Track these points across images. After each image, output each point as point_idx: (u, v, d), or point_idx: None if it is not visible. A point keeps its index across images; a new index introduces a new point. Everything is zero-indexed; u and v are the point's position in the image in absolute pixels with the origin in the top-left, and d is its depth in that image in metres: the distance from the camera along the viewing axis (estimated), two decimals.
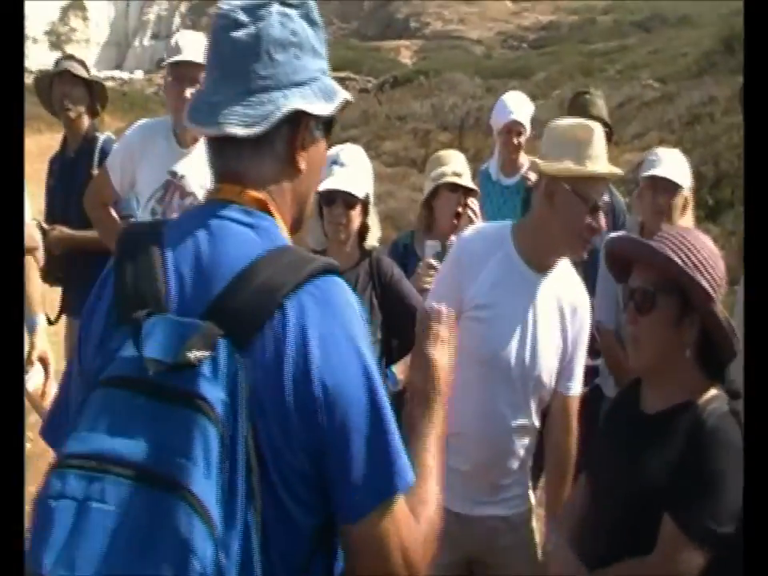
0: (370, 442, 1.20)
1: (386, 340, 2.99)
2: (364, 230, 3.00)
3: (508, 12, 59.41)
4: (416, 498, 1.28)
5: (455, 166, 3.52)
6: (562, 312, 2.42)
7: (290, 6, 1.28)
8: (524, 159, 4.56)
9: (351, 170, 2.92)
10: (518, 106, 4.50)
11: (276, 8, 1.26)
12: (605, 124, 3.35)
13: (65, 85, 3.93)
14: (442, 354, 1.50)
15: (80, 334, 1.32)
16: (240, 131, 1.23)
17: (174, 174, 3.22)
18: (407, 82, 24.98)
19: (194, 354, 1.10)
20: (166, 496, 1.05)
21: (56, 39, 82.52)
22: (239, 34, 1.25)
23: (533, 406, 2.43)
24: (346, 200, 2.89)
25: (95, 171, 3.68)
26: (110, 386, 1.12)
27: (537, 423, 2.47)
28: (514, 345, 2.36)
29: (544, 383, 2.41)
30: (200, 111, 1.28)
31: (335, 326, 1.20)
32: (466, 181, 3.51)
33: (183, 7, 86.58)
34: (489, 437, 2.40)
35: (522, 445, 2.47)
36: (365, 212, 2.97)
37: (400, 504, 1.22)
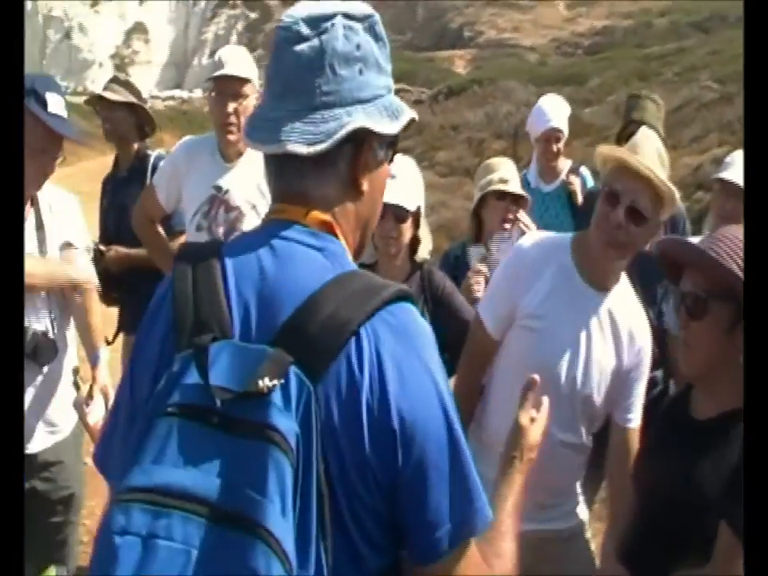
0: (449, 480, 1.13)
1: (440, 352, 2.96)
2: (415, 242, 2.98)
3: (562, 18, 58.99)
4: (492, 552, 1.28)
5: (502, 172, 3.43)
6: (618, 336, 2.34)
7: (354, 19, 1.21)
8: (563, 164, 4.49)
9: (402, 182, 2.90)
10: (555, 111, 4.41)
11: (340, 20, 1.19)
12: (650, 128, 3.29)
13: (104, 109, 4.06)
14: (534, 427, 1.57)
15: (133, 355, 1.25)
16: (302, 149, 1.16)
17: (218, 188, 3.25)
18: (461, 91, 24.90)
19: (264, 383, 1.03)
20: (241, 535, 0.99)
21: (120, 62, 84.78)
22: (302, 47, 1.18)
23: (582, 426, 2.36)
24: (396, 213, 2.87)
25: None
26: (174, 415, 1.05)
27: (587, 442, 2.40)
28: (564, 360, 2.30)
29: (594, 404, 2.33)
30: (259, 128, 1.21)
31: (412, 356, 1.13)
32: (513, 187, 3.42)
33: (240, 26, 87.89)
34: None
35: (570, 464, 2.39)
36: (416, 225, 2.95)
37: (474, 548, 1.18)
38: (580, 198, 4.32)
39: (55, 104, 2.63)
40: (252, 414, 1.03)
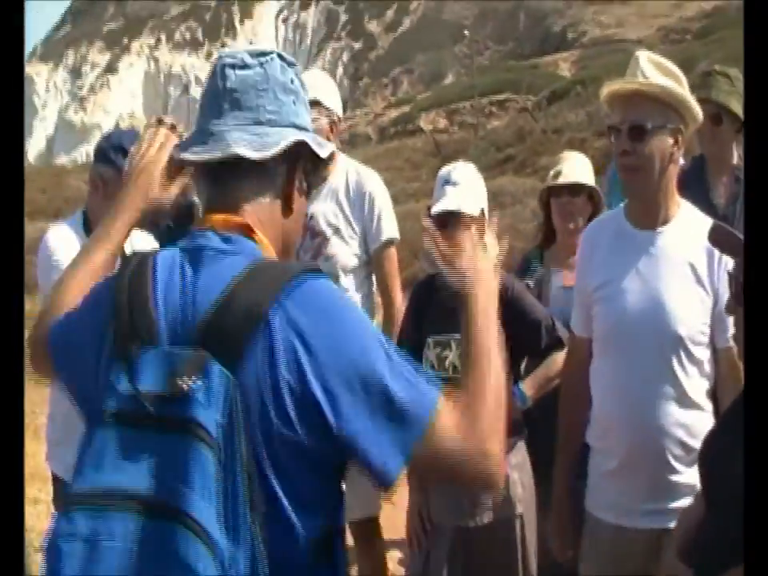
0: (382, 416, 1.20)
1: (513, 357, 2.92)
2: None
3: (669, 5, 57.00)
4: (467, 393, 1.29)
5: (560, 166, 3.28)
6: (691, 261, 2.23)
7: (285, 60, 1.41)
8: None
9: (463, 188, 2.89)
10: None
11: (276, 57, 1.39)
12: (717, 106, 3.20)
13: None
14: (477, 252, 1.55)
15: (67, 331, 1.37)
16: (251, 153, 1.30)
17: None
18: (564, 94, 24.50)
19: (184, 381, 1.14)
20: (166, 523, 1.10)
21: None
22: (247, 72, 1.36)
23: (679, 372, 2.20)
24: (460, 220, 2.87)
25: None
26: (111, 421, 1.16)
27: (693, 394, 2.21)
28: (636, 309, 2.23)
29: (683, 339, 2.20)
30: (199, 141, 1.35)
31: (321, 324, 1.22)
32: (564, 178, 3.23)
33: (345, 57, 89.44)
34: (625, 414, 2.24)
35: (675, 421, 2.19)
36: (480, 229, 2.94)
37: (435, 425, 1.22)
38: None
39: None
40: (177, 412, 1.14)
